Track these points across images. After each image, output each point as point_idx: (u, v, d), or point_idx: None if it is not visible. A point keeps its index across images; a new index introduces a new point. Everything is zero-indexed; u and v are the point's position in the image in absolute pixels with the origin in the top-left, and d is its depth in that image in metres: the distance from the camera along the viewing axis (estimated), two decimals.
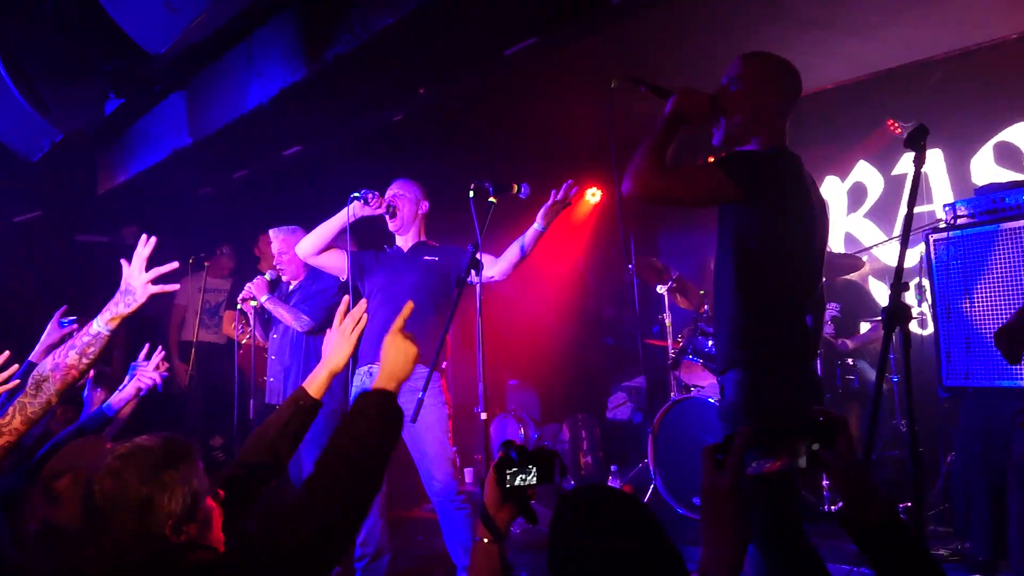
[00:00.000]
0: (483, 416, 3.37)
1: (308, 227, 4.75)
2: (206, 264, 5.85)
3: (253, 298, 4.61)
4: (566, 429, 6.35)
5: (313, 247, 3.90)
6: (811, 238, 2.37)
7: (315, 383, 2.28)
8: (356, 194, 3.76)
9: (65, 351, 2.31)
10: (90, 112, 4.32)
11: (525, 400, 6.84)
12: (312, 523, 1.63)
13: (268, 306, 4.52)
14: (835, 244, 5.92)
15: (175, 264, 2.39)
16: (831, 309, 4.75)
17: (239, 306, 4.73)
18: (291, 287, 4.69)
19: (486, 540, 1.69)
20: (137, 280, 2.28)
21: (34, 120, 4.13)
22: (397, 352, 1.93)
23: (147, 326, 6.26)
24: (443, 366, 3.92)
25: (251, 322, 4.77)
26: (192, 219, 6.49)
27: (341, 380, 4.59)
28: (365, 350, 3.80)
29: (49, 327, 3.45)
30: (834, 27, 4.42)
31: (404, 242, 3.93)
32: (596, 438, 6.40)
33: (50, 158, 4.64)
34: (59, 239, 6.95)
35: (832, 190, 6.10)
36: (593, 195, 6.77)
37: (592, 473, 6.26)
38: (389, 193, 3.87)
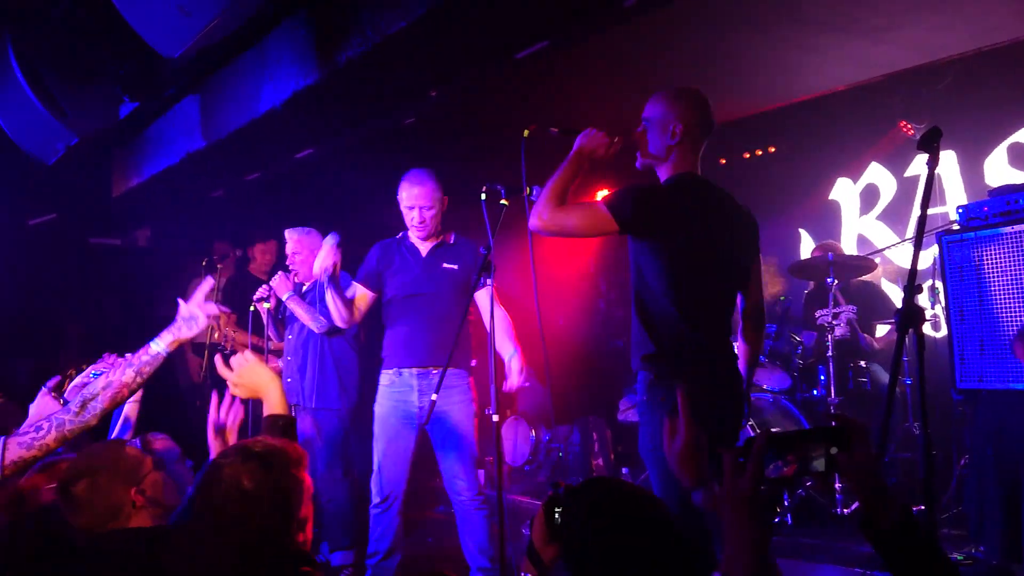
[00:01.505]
0: (495, 418, 3.37)
1: (320, 228, 4.78)
2: (218, 266, 5.88)
3: (266, 299, 4.64)
4: (577, 431, 6.35)
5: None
6: (708, 255, 2.61)
7: (274, 404, 2.28)
8: None
9: (121, 370, 2.37)
10: (105, 115, 4.36)
11: (536, 402, 6.84)
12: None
13: (290, 304, 4.52)
14: (848, 246, 5.90)
15: (211, 281, 2.54)
16: (847, 311, 4.74)
17: (252, 307, 4.75)
18: (304, 288, 4.70)
19: None
20: (200, 309, 2.44)
21: (49, 123, 4.16)
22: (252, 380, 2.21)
23: (161, 327, 6.30)
24: (472, 364, 3.95)
25: (264, 323, 4.78)
26: (204, 221, 6.53)
27: (355, 381, 4.63)
28: (389, 353, 3.83)
29: (39, 399, 3.28)
30: (846, 29, 4.41)
31: (422, 244, 3.88)
32: (607, 440, 6.40)
33: (65, 161, 4.67)
34: (73, 242, 7.00)
35: (844, 192, 6.08)
36: (626, 189, 6.75)
37: (602, 476, 6.26)
38: (427, 215, 3.75)
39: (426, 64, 3.75)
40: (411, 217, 3.78)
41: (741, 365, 2.85)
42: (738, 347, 2.90)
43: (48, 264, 6.53)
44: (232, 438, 2.65)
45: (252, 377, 2.29)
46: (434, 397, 3.57)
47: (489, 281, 3.53)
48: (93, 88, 4.29)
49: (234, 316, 5.51)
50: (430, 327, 3.76)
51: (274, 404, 2.27)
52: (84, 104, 4.26)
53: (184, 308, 2.44)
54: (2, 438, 2.31)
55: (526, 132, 2.83)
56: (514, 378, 3.68)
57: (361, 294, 3.91)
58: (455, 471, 3.72)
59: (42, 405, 3.03)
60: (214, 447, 2.69)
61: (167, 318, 2.54)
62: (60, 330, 6.83)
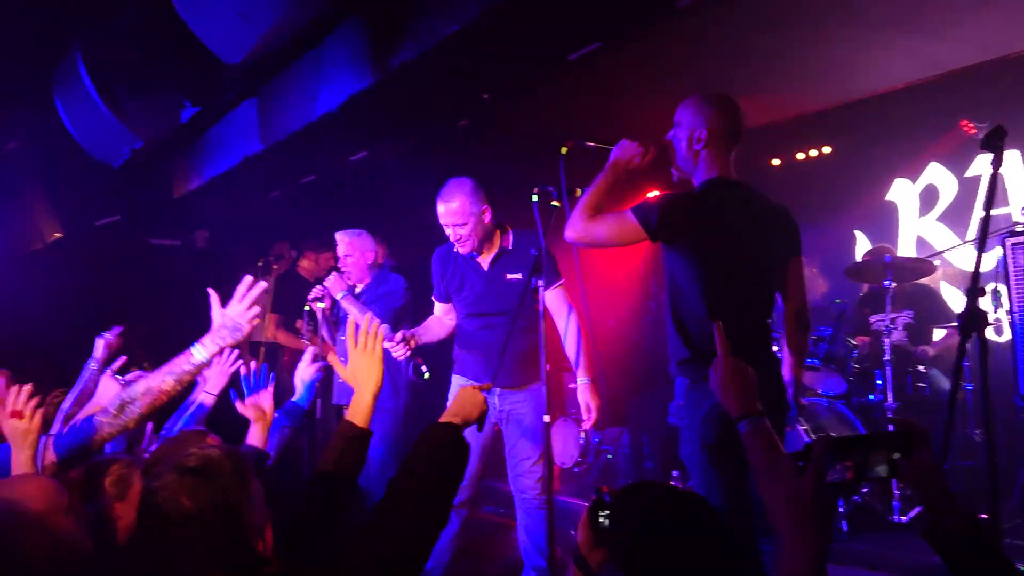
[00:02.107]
0: (546, 419, 3.39)
1: (373, 229, 4.86)
2: (273, 267, 6.02)
3: (321, 299, 4.71)
4: (627, 434, 6.32)
5: None
6: (739, 259, 2.65)
7: (359, 411, 2.17)
8: None
9: (161, 376, 2.32)
10: (168, 120, 4.49)
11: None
12: (380, 554, 1.66)
13: (344, 304, 4.59)
14: (906, 248, 5.77)
15: (264, 284, 2.45)
16: (904, 316, 4.64)
17: (307, 307, 4.83)
18: (357, 290, 4.77)
19: None
20: (242, 316, 2.35)
21: (116, 128, 4.30)
22: (466, 403, 2.05)
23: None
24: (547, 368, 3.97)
25: (319, 323, 4.86)
26: (260, 222, 6.68)
27: (406, 380, 4.68)
28: (464, 366, 3.86)
29: (103, 382, 3.37)
30: (907, 27, 4.31)
31: (483, 258, 3.78)
32: (657, 443, 6.35)
33: (129, 164, 4.82)
34: (134, 242, 7.22)
35: (902, 193, 5.95)
36: (655, 198, 6.72)
37: (653, 479, 6.22)
38: (462, 232, 3.63)
39: (479, 67, 3.78)
40: (448, 234, 3.69)
41: (786, 369, 2.86)
42: (783, 351, 2.91)
43: (112, 264, 6.74)
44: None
45: (365, 369, 2.21)
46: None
47: (541, 283, 3.53)
48: (156, 93, 4.42)
49: (278, 318, 5.62)
50: (503, 347, 3.68)
51: (360, 410, 2.18)
52: (148, 109, 4.40)
53: (227, 316, 2.35)
54: (43, 437, 2.31)
55: (564, 149, 2.91)
56: (588, 413, 3.65)
57: (442, 308, 3.96)
58: (524, 470, 3.76)
59: (106, 387, 3.17)
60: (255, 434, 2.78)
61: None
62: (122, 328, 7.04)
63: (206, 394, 3.37)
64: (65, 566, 1.74)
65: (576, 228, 2.68)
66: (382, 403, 4.57)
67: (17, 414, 2.25)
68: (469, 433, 2.08)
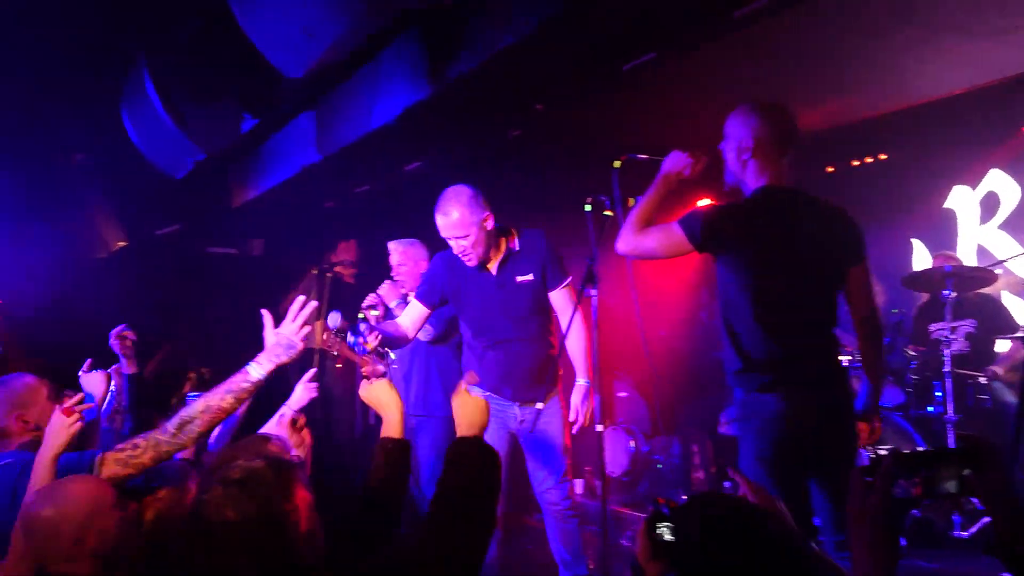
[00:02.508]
0: (599, 428, 3.40)
1: (426, 238, 4.92)
2: (328, 275, 6.11)
3: (375, 307, 4.78)
4: (677, 443, 6.27)
5: None
6: (790, 266, 2.65)
7: (392, 428, 2.34)
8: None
9: (220, 395, 2.41)
10: (229, 132, 4.62)
11: (635, 412, 6.80)
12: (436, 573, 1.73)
13: (397, 312, 4.65)
14: (966, 256, 5.65)
15: (315, 303, 2.57)
16: (966, 325, 4.54)
17: (361, 314, 4.90)
18: (409, 297, 4.82)
19: None
20: (296, 334, 2.46)
21: (179, 140, 4.44)
22: (469, 413, 2.09)
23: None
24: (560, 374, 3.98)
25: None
26: (315, 231, 6.81)
27: (449, 389, 4.72)
28: (484, 378, 3.69)
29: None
30: (967, 31, 4.24)
31: (492, 264, 3.65)
32: (708, 453, 6.29)
33: (191, 175, 4.96)
34: (193, 251, 7.40)
35: (962, 200, 5.83)
36: (701, 209, 6.68)
37: (703, 489, 6.16)
38: (464, 245, 3.50)
39: (534, 78, 3.81)
40: (452, 247, 3.56)
41: (863, 382, 2.81)
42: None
43: (171, 272, 6.92)
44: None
45: (379, 395, 2.42)
46: (540, 405, 3.65)
47: (594, 292, 3.54)
48: (218, 106, 4.55)
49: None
50: (520, 358, 3.68)
51: (391, 426, 2.34)
52: (210, 121, 4.53)
53: (281, 335, 2.46)
54: (100, 452, 2.37)
55: (617, 163, 2.97)
56: (576, 416, 3.63)
57: (417, 311, 3.78)
58: (546, 481, 3.73)
59: (88, 382, 3.43)
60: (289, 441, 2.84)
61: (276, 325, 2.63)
62: (177, 335, 7.24)
63: (287, 408, 3.43)
64: (115, 561, 1.89)
65: (626, 241, 2.75)
66: (433, 410, 4.66)
67: (68, 411, 2.35)
68: (492, 441, 2.15)
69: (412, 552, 1.79)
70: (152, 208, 6.24)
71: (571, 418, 3.65)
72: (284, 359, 2.46)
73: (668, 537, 1.60)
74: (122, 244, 6.60)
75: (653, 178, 2.86)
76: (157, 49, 4.38)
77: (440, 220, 3.48)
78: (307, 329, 2.49)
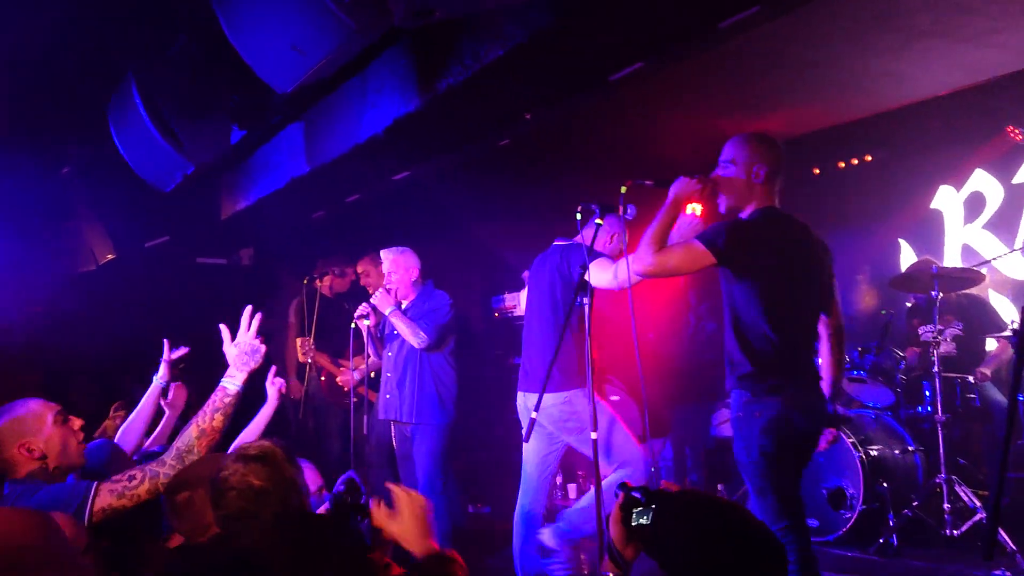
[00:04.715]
0: (593, 436, 3.41)
1: (416, 247, 4.93)
2: (317, 284, 6.09)
3: (367, 316, 4.78)
4: (669, 446, 6.31)
5: None
6: (794, 281, 2.91)
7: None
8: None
9: (208, 416, 2.49)
10: (217, 145, 4.60)
11: (627, 415, 6.79)
12: None
13: (392, 319, 4.67)
14: (952, 256, 5.71)
15: (259, 315, 2.71)
16: (953, 327, 4.59)
17: (354, 323, 4.91)
18: (402, 307, 4.83)
19: (611, 575, 1.77)
20: (252, 340, 2.63)
21: (168, 155, 4.41)
22: (405, 516, 2.11)
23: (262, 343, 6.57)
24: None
25: (365, 340, 4.93)
26: (304, 241, 6.79)
27: (453, 396, 4.74)
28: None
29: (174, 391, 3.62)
30: (950, 35, 4.30)
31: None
32: (700, 455, 6.33)
33: (179, 187, 4.94)
34: (182, 261, 7.37)
35: (947, 201, 5.89)
36: (693, 211, 6.72)
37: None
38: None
39: (523, 89, 3.83)
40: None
41: (826, 383, 3.05)
42: (822, 362, 3.13)
43: (160, 283, 6.89)
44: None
45: (405, 529, 2.12)
46: (534, 415, 3.66)
47: (586, 300, 3.57)
48: (207, 119, 4.52)
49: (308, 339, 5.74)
50: (528, 351, 3.99)
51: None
52: (199, 135, 4.50)
53: (240, 344, 2.61)
54: (95, 483, 2.36)
55: (623, 188, 3.10)
56: None
57: None
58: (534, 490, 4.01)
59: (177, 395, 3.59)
60: None
61: (266, 334, 2.73)
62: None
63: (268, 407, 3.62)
64: None
65: (646, 262, 2.89)
66: (428, 418, 4.67)
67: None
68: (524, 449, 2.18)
69: None
70: (140, 220, 6.21)
71: None
72: (252, 366, 2.61)
73: (643, 521, 1.68)
74: (110, 256, 6.57)
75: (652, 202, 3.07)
76: (146, 63, 4.36)
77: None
78: (253, 332, 2.65)
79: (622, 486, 1.77)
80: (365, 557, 2.04)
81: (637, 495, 1.74)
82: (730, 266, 2.89)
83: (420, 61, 3.81)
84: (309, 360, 5.78)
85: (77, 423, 2.52)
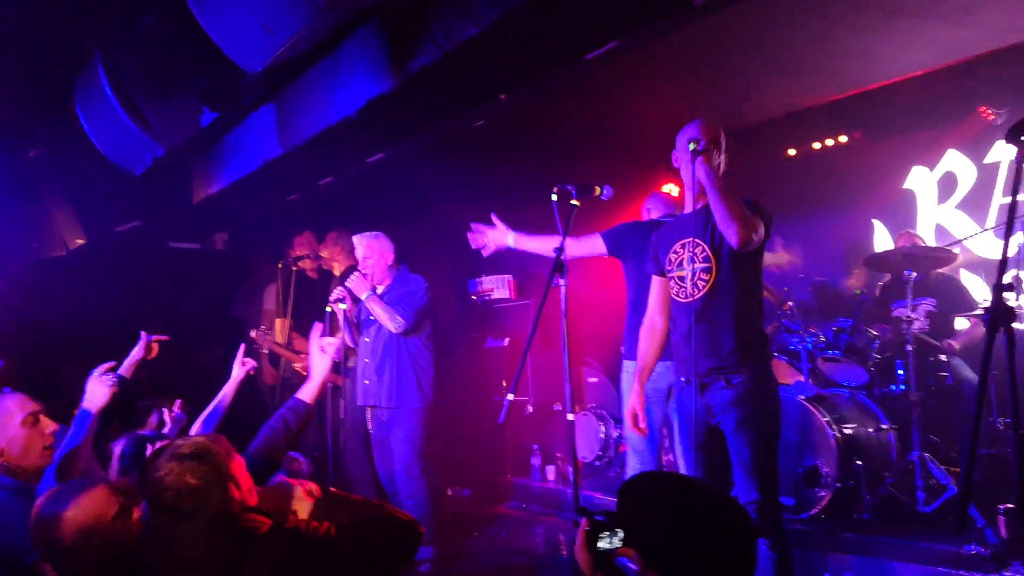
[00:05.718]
0: (570, 417, 3.40)
1: (390, 230, 4.89)
2: (293, 268, 6.03)
3: (343, 300, 4.74)
4: None
5: None
6: None
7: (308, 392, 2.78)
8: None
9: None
10: (188, 127, 4.53)
11: (604, 397, 6.84)
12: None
13: (369, 304, 4.63)
14: (925, 236, 5.76)
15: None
16: (927, 304, 4.63)
17: (329, 308, 4.86)
18: (378, 291, 4.79)
19: None
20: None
21: (137, 136, 4.34)
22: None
23: (238, 327, 6.52)
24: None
25: (340, 325, 4.89)
26: (278, 224, 6.72)
27: (431, 380, 4.72)
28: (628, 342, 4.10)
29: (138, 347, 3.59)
30: (923, 14, 4.31)
31: None
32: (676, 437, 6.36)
33: (150, 170, 4.86)
34: (154, 246, 7.27)
35: (920, 181, 5.93)
36: (671, 192, 6.74)
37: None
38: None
39: (497, 69, 3.79)
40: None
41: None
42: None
43: (132, 268, 6.79)
44: None
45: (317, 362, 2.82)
46: (510, 397, 3.65)
47: (562, 281, 3.54)
48: (176, 100, 4.45)
49: (291, 322, 5.70)
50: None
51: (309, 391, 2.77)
52: (168, 116, 4.43)
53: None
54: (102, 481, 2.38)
55: (554, 196, 3.23)
56: None
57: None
58: None
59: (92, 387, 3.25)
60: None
61: (242, 319, 2.72)
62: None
63: (230, 385, 3.62)
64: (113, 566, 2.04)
65: (759, 231, 3.03)
66: (406, 402, 4.65)
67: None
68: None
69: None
70: (111, 204, 6.11)
71: None
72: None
73: (609, 545, 1.66)
74: (81, 242, 6.47)
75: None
76: (113, 44, 4.27)
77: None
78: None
79: (582, 511, 1.75)
80: (286, 529, 2.01)
81: (601, 519, 1.71)
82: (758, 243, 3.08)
83: (392, 41, 3.76)
84: (265, 350, 5.76)
85: (49, 427, 2.52)
